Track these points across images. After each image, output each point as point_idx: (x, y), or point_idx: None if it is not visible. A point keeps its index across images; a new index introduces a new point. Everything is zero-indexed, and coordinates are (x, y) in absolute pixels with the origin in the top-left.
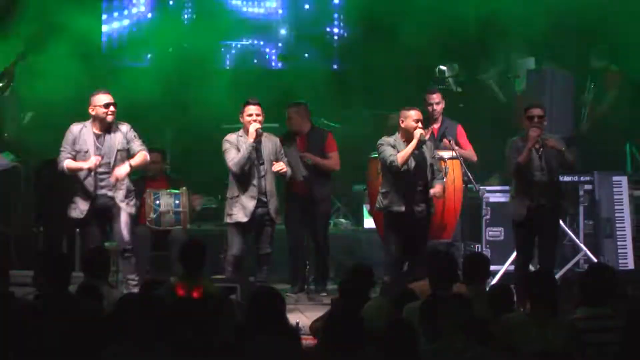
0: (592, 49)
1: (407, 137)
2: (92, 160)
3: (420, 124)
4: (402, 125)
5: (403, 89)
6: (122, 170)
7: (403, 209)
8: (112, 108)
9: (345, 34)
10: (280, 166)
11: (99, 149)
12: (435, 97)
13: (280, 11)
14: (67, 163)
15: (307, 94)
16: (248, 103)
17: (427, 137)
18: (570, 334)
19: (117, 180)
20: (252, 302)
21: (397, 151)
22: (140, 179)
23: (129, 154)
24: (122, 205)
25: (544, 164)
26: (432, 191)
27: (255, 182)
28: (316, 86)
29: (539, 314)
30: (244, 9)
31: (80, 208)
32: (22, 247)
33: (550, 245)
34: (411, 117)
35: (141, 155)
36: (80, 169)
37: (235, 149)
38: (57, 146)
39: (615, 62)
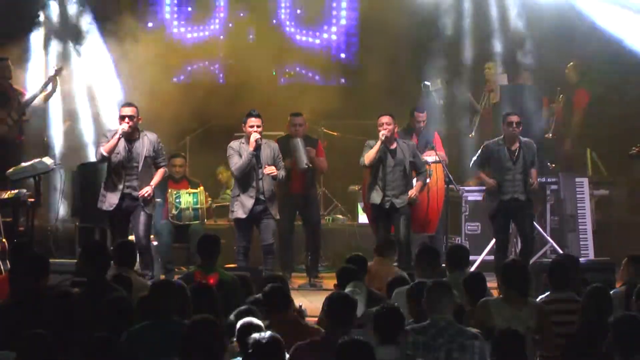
0: (572, 64)
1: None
2: (123, 127)
3: (385, 127)
4: (377, 131)
5: (393, 102)
6: (145, 191)
7: (378, 201)
8: (126, 120)
9: (352, 58)
10: (270, 169)
11: (129, 153)
12: (423, 116)
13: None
14: (104, 147)
15: (307, 106)
16: (250, 115)
17: (388, 134)
18: (539, 315)
19: (142, 195)
20: (261, 287)
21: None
22: (164, 181)
23: (154, 161)
24: (144, 205)
25: (519, 165)
26: (409, 193)
27: (254, 183)
28: (316, 100)
29: (513, 298)
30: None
31: (109, 202)
32: (61, 239)
33: (529, 231)
34: (379, 121)
35: (160, 173)
36: (115, 143)
37: (237, 155)
38: (89, 151)
39: (587, 82)
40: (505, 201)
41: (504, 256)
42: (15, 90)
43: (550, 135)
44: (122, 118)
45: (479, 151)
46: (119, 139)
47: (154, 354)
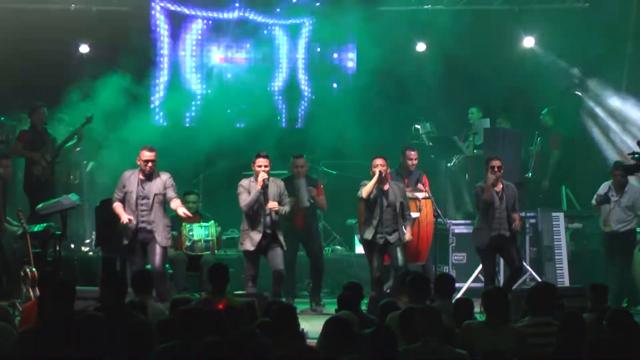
0: (547, 109)
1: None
2: (126, 219)
3: (379, 167)
4: (371, 172)
5: (387, 143)
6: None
7: (370, 237)
8: (150, 163)
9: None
10: (273, 204)
11: (142, 191)
12: (415, 154)
13: None
14: (115, 206)
15: (309, 148)
16: (259, 155)
17: (384, 174)
18: (516, 338)
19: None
20: (270, 313)
21: None
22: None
23: (164, 198)
24: (159, 238)
25: (503, 205)
26: (406, 238)
27: (261, 219)
28: (317, 142)
29: (494, 322)
30: None
31: (127, 235)
32: (84, 267)
33: (517, 261)
34: (374, 163)
35: (178, 203)
36: (120, 217)
37: (246, 192)
38: (112, 189)
39: (560, 125)
40: (493, 237)
41: (492, 285)
42: (50, 135)
43: (530, 175)
44: (145, 162)
45: (474, 195)
46: (122, 221)
47: None
